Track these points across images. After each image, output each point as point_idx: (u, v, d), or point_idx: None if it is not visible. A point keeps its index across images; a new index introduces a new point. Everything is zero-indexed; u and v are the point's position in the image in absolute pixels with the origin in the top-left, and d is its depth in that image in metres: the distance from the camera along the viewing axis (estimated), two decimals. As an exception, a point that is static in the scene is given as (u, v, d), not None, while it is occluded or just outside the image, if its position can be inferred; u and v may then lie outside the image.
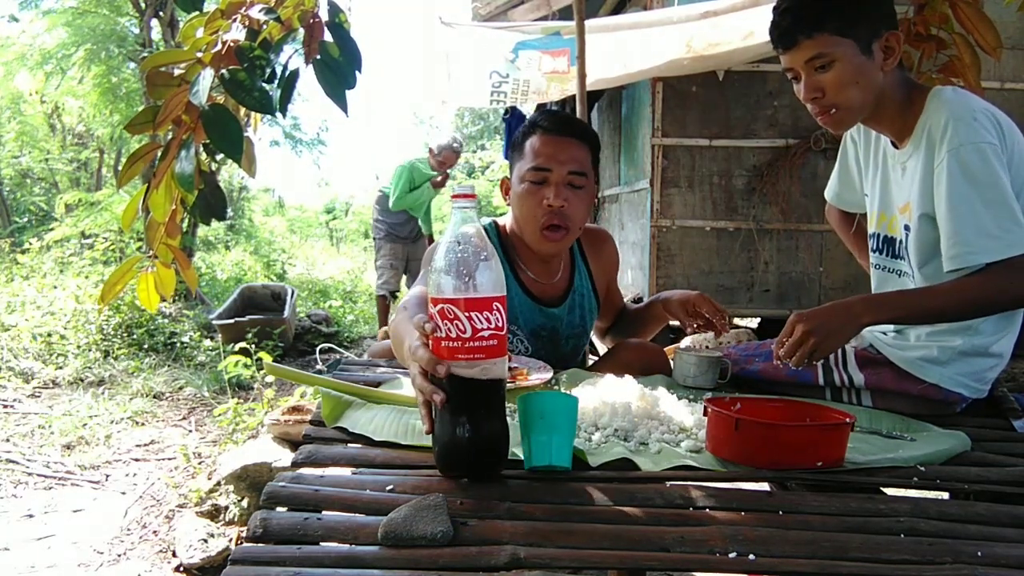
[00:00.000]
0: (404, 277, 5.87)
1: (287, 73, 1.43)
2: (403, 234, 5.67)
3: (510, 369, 1.57)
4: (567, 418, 1.05)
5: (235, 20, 1.39)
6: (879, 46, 1.36)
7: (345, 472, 1.07)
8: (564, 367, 1.81)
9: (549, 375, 1.54)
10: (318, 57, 1.42)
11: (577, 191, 1.65)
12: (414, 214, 5.64)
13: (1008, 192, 1.29)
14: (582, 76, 3.81)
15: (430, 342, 0.97)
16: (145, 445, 3.33)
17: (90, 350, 4.80)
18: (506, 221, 1.80)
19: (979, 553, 0.87)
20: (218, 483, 2.49)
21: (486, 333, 0.95)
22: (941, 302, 1.33)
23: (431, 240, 5.76)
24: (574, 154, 1.64)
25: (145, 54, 6.60)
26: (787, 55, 1.40)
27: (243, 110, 1.58)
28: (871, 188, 1.57)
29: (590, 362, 2.05)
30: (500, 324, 0.96)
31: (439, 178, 5.48)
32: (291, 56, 1.43)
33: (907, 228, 1.43)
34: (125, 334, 5.13)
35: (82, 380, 4.33)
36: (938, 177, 1.33)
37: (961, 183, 1.29)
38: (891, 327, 1.51)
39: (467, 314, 0.94)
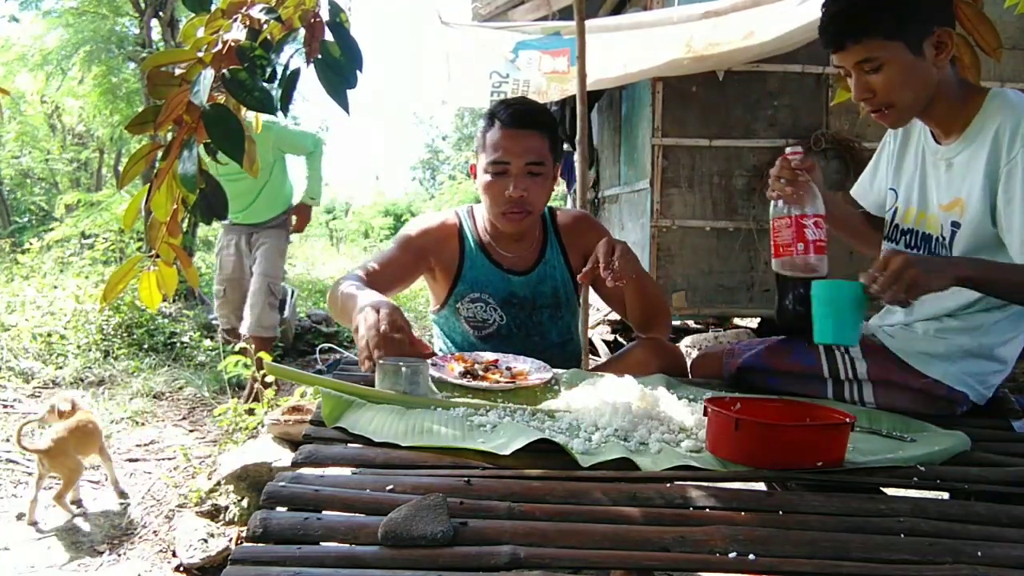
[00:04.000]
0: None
1: (288, 73, 1.43)
2: (220, 245, 4.11)
3: (508, 369, 1.58)
4: (848, 304, 1.25)
5: (236, 20, 1.39)
6: (930, 43, 1.34)
7: (345, 472, 1.07)
8: (546, 339, 1.89)
9: (549, 375, 1.54)
10: (319, 57, 1.42)
11: (536, 177, 1.76)
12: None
13: None
14: (582, 76, 3.81)
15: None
16: (145, 445, 3.32)
17: (90, 350, 4.79)
18: (476, 205, 1.95)
19: (979, 553, 0.87)
20: (218, 483, 2.49)
21: None
22: None
23: (296, 213, 4.06)
24: (531, 145, 1.75)
25: (145, 54, 6.59)
26: (836, 56, 1.41)
27: (243, 109, 1.58)
28: (903, 183, 1.56)
29: (591, 363, 2.06)
30: None
31: None
32: (292, 56, 1.43)
33: (955, 225, 1.41)
34: (125, 334, 5.12)
35: (82, 380, 4.33)
36: (1009, 175, 1.31)
37: None
38: (899, 319, 1.52)
39: None
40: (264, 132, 3.55)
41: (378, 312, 1.37)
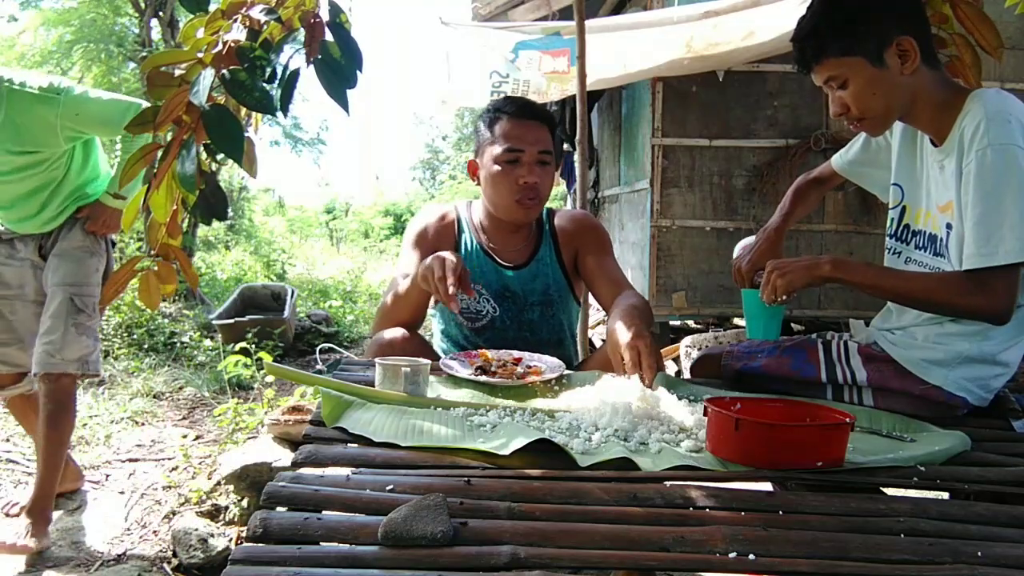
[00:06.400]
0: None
1: (288, 73, 1.42)
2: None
3: (528, 367, 1.60)
4: (761, 306, 1.48)
5: (235, 20, 1.39)
6: (891, 54, 1.35)
7: (345, 472, 1.07)
8: (537, 335, 1.91)
9: (556, 374, 1.55)
10: (319, 57, 1.42)
11: (545, 167, 1.85)
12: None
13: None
14: (582, 76, 3.81)
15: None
16: (145, 445, 3.32)
17: (90, 350, 4.79)
18: (475, 200, 2.03)
19: (979, 553, 0.87)
20: (218, 483, 2.50)
21: None
22: (900, 285, 1.41)
23: (88, 212, 2.40)
24: (540, 135, 1.85)
25: (145, 54, 6.60)
26: (811, 75, 1.46)
27: (243, 110, 1.58)
28: (907, 180, 1.56)
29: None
30: None
31: None
32: (292, 56, 1.43)
33: (949, 227, 1.42)
34: (125, 334, 5.12)
35: (82, 380, 4.32)
36: (965, 178, 1.32)
37: (978, 185, 1.29)
38: (896, 325, 1.52)
39: None
40: (44, 107, 2.17)
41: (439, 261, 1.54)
